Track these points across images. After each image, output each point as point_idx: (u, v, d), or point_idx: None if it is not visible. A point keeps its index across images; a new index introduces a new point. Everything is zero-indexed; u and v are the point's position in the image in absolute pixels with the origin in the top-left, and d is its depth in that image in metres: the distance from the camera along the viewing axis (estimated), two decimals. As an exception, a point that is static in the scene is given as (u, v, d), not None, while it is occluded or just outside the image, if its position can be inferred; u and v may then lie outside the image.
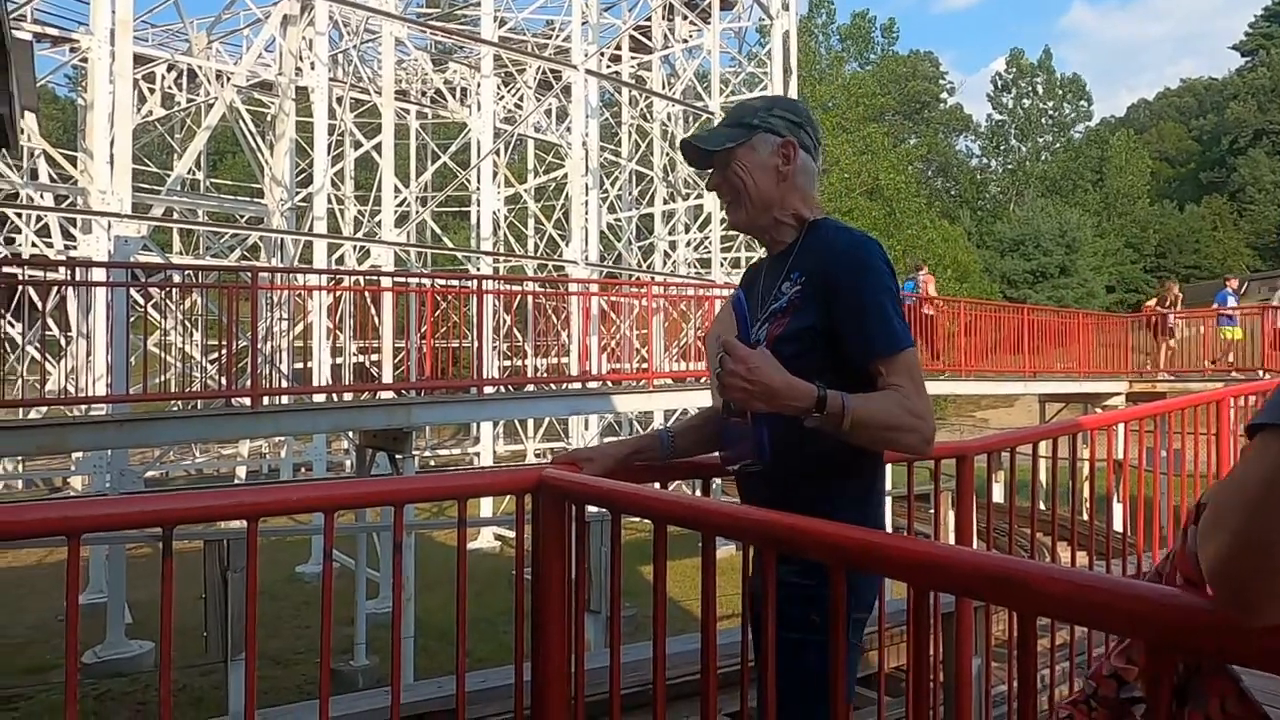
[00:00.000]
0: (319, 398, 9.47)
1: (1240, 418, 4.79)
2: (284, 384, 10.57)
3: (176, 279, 12.44)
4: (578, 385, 10.77)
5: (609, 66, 19.89)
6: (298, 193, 15.49)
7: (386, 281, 11.61)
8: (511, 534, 2.22)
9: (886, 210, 36.58)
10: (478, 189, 17.14)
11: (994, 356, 14.70)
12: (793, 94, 18.57)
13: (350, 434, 11.80)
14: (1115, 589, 0.95)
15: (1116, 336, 16.38)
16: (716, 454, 1.92)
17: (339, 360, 12.70)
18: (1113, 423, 4.36)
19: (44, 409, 8.50)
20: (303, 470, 15.11)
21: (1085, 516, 5.12)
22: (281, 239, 15.02)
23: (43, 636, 9.02)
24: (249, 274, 9.15)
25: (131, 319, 10.05)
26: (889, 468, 2.11)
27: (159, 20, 18.56)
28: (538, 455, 18.72)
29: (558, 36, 20.46)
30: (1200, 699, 1.02)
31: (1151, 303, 16.88)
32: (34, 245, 16.36)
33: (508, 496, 1.99)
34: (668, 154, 20.29)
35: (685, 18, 19.58)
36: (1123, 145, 52.86)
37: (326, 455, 14.70)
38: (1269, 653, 0.82)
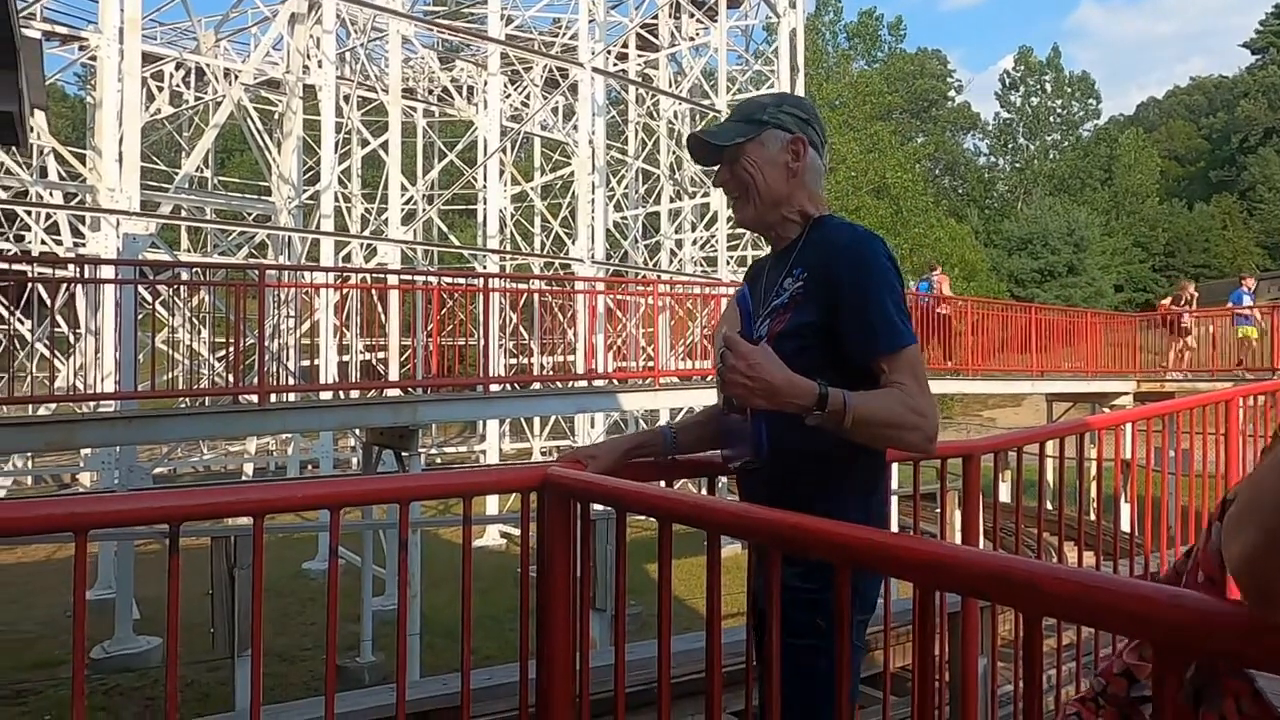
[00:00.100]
0: (326, 395, 9.47)
1: (1249, 418, 4.76)
2: (291, 381, 10.62)
3: (185, 276, 12.53)
4: (584, 383, 10.78)
5: (616, 64, 19.90)
6: (305, 190, 15.50)
7: (393, 279, 11.64)
8: (517, 531, 2.23)
9: (893, 209, 36.47)
10: (484, 187, 17.16)
11: (1001, 355, 14.67)
12: (800, 92, 18.53)
13: (357, 431, 11.83)
14: (1122, 589, 0.95)
15: (1124, 336, 16.32)
16: (717, 452, 1.90)
17: (346, 358, 12.75)
18: (1120, 422, 4.33)
19: (53, 405, 8.53)
20: (309, 467, 15.14)
21: (1093, 516, 5.10)
22: (289, 237, 15.05)
23: (51, 632, 9.07)
24: (256, 272, 9.16)
25: (140, 316, 10.07)
26: (894, 467, 2.10)
27: (167, 18, 18.61)
28: (543, 453, 18.72)
29: (564, 34, 20.47)
30: (1215, 699, 1.02)
31: (1167, 301, 16.83)
32: (43, 243, 16.44)
33: (513, 494, 2.00)
34: (674, 152, 20.26)
35: (692, 15, 19.54)
36: (1132, 143, 52.63)
37: (333, 452, 14.72)
38: (1275, 653, 0.82)
